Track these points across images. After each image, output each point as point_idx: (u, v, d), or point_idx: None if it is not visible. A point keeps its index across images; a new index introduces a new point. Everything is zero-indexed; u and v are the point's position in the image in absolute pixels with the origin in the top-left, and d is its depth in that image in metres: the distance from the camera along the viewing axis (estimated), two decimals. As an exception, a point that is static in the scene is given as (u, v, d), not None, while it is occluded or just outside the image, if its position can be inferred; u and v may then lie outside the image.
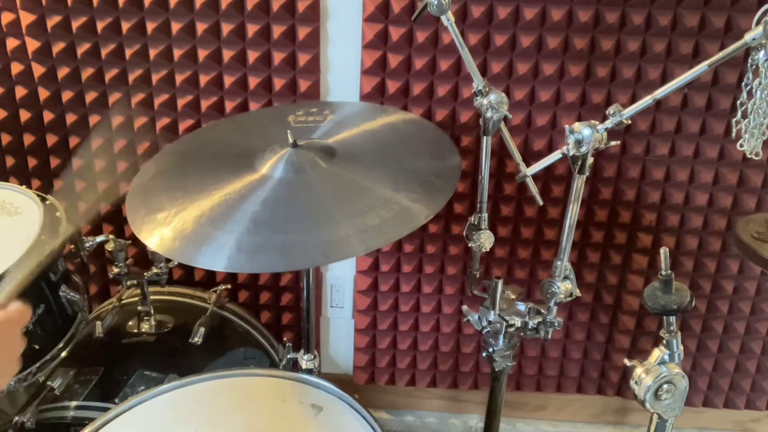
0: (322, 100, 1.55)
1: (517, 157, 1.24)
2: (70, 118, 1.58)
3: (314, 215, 1.07)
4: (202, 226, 1.05)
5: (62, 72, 1.54)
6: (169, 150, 1.36)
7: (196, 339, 1.41)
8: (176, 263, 1.51)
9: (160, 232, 1.06)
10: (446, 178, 1.16)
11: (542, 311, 1.22)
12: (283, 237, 1.02)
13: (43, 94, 1.56)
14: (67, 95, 1.56)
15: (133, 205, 1.16)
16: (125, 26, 1.48)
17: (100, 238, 1.39)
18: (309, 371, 1.31)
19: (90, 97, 1.56)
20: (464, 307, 1.34)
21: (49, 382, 1.28)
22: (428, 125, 1.37)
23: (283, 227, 1.04)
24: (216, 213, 1.07)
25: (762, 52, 0.90)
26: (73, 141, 1.61)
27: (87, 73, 1.54)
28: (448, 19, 1.09)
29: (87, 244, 1.37)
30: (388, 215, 1.05)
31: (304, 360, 1.33)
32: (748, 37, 0.90)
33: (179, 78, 1.53)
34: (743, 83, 0.95)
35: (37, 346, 1.22)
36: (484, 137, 1.18)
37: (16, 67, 1.54)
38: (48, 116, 1.59)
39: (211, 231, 1.04)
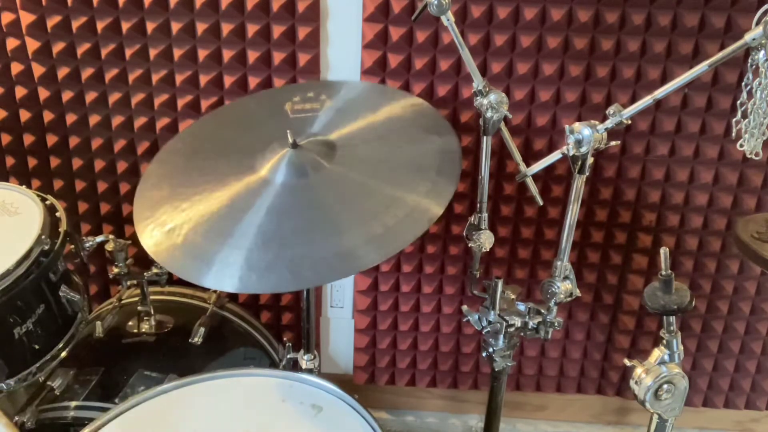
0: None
1: (517, 157, 1.24)
2: (70, 118, 1.58)
3: (322, 224, 1.06)
4: (211, 242, 1.05)
5: (62, 72, 1.54)
6: (168, 150, 1.36)
7: (196, 339, 1.41)
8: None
9: (170, 250, 1.06)
10: (448, 171, 1.16)
11: (542, 311, 1.22)
12: (291, 252, 1.02)
13: (43, 94, 1.56)
14: (67, 95, 1.56)
15: (140, 218, 1.15)
16: (125, 26, 1.48)
17: (100, 238, 1.39)
18: (309, 371, 1.31)
19: (90, 97, 1.56)
20: (464, 307, 1.34)
21: (49, 382, 1.28)
22: (425, 109, 1.34)
23: (291, 240, 1.03)
24: (223, 224, 1.07)
25: (762, 52, 0.90)
26: (73, 141, 1.61)
27: (87, 73, 1.54)
28: (448, 19, 1.10)
29: (87, 244, 1.37)
30: (392, 221, 1.05)
31: (304, 360, 1.33)
32: (748, 37, 0.90)
33: (179, 78, 1.53)
34: (743, 83, 0.95)
35: (37, 346, 1.22)
36: (484, 137, 1.18)
37: (16, 67, 1.54)
38: (48, 116, 1.59)
39: (219, 247, 1.04)
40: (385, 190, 1.11)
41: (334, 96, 1.37)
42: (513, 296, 1.27)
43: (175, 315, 1.48)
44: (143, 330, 1.42)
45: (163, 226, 1.10)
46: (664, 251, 0.91)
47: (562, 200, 1.59)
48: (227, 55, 1.50)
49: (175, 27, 1.48)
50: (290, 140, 1.16)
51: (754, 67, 0.91)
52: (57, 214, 1.28)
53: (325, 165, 1.16)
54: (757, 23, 0.89)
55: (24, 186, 1.34)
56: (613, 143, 1.04)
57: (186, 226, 1.08)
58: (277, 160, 1.15)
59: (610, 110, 1.01)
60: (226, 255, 1.03)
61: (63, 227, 1.26)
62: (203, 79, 1.53)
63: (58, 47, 1.51)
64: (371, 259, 1.02)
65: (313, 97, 1.36)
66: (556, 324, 1.21)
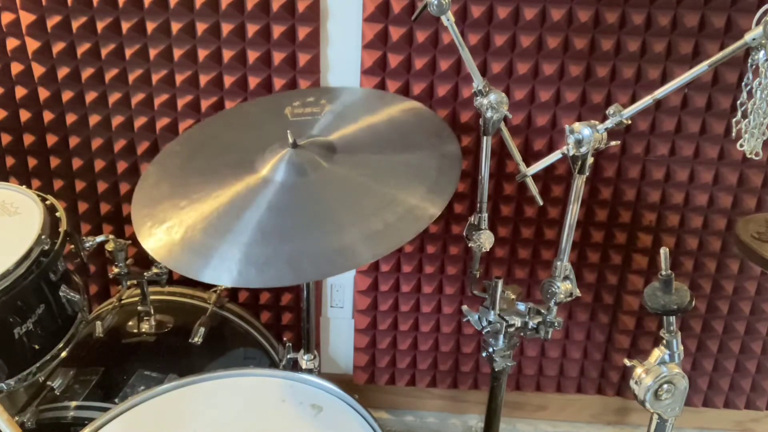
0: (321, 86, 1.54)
1: (517, 157, 1.24)
2: (70, 118, 1.58)
3: (320, 221, 1.07)
4: (210, 237, 1.05)
5: (62, 72, 1.54)
6: (168, 152, 1.35)
7: (196, 339, 1.41)
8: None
9: (168, 245, 1.06)
10: (448, 172, 1.16)
11: (542, 311, 1.22)
12: (291, 246, 1.02)
13: (43, 94, 1.56)
14: (67, 95, 1.56)
15: (139, 216, 1.15)
16: (125, 26, 1.48)
17: (100, 238, 1.39)
18: (309, 371, 1.31)
19: (90, 97, 1.56)
20: (464, 307, 1.34)
21: (49, 382, 1.28)
22: (426, 113, 1.35)
23: (290, 235, 1.04)
24: (222, 221, 1.07)
25: (762, 52, 0.90)
26: (73, 141, 1.61)
27: (87, 73, 1.54)
28: (448, 19, 1.09)
29: (87, 244, 1.37)
30: (392, 218, 1.05)
31: (304, 360, 1.33)
32: (748, 37, 0.90)
33: (179, 78, 1.53)
34: (743, 83, 0.94)
35: (37, 346, 1.22)
36: (484, 137, 1.18)
37: (16, 67, 1.54)
38: (48, 116, 1.59)
39: (218, 242, 1.04)
40: (384, 190, 1.11)
41: (334, 101, 1.38)
42: (513, 296, 1.27)
43: (175, 315, 1.48)
44: (143, 330, 1.43)
45: (161, 224, 1.10)
46: (664, 251, 0.91)
47: (562, 200, 1.59)
48: (227, 55, 1.50)
49: (175, 27, 1.48)
50: (290, 140, 1.16)
51: (754, 67, 0.91)
52: (57, 214, 1.28)
53: (324, 165, 1.16)
54: (757, 23, 0.88)
55: (24, 186, 1.34)
56: (613, 143, 1.03)
57: (185, 224, 1.08)
58: (278, 160, 1.15)
59: (610, 110, 1.01)
60: (224, 250, 1.03)
61: (63, 227, 1.26)
62: (203, 79, 1.53)
63: (58, 47, 1.51)
64: (370, 255, 1.03)
65: (313, 102, 1.36)
66: (556, 324, 1.21)
